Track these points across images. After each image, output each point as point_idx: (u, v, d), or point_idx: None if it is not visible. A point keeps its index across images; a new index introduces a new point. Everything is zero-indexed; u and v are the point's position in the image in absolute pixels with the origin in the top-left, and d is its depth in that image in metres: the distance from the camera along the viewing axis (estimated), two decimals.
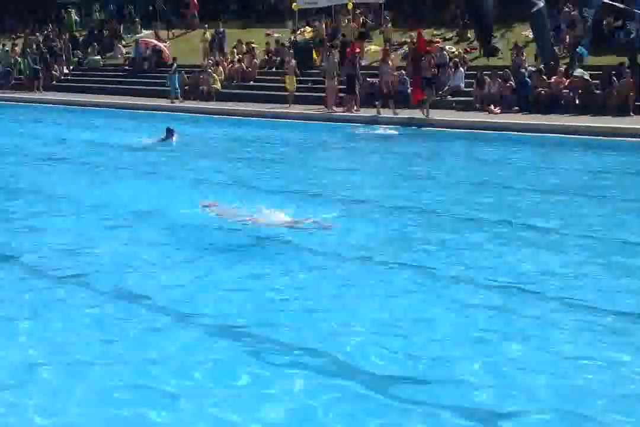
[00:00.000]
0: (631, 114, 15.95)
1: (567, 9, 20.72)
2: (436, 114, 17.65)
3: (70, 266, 6.75)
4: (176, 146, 14.95)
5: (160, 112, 21.89)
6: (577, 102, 17.12)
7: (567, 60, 19.00)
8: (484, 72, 18.68)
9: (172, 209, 8.96)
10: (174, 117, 20.49)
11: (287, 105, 20.80)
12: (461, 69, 19.75)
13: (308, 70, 22.44)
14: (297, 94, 21.17)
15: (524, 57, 19.14)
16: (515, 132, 15.48)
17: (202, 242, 7.57)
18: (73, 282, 6.35)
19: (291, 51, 22.67)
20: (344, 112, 19.34)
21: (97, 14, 35.05)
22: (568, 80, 17.65)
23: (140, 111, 22.35)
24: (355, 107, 19.46)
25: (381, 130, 16.75)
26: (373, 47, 23.82)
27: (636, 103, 16.10)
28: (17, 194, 10.40)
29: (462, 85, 19.51)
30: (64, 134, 17.62)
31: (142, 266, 6.78)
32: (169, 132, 15.31)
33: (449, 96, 19.14)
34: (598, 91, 16.92)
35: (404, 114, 18.06)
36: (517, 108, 17.65)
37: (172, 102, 23.16)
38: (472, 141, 15.22)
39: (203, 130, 18.01)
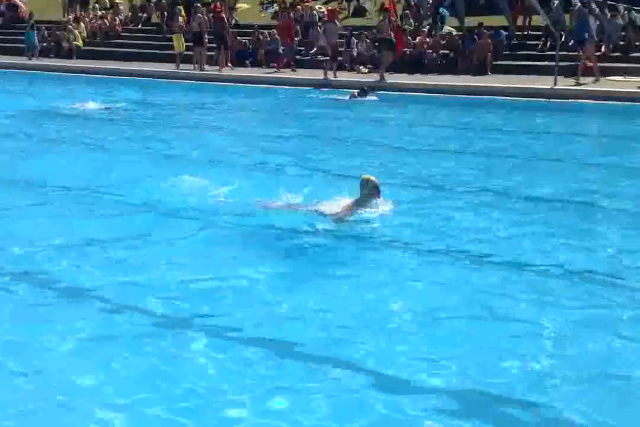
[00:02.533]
0: (489, 73, 16.83)
1: None
2: (311, 74, 17.79)
3: None
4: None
5: (16, 70, 20.69)
6: (439, 62, 17.85)
7: (430, 20, 19.70)
8: (353, 32, 19.00)
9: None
10: (32, 76, 19.43)
11: (175, 64, 19.74)
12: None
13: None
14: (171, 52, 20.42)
15: (389, 18, 19.55)
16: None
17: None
18: None
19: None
20: (219, 71, 19.02)
21: None
22: (432, 40, 18.37)
23: None
24: (227, 65, 19.24)
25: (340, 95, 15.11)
26: (244, 5, 23.56)
27: (493, 63, 16.99)
28: None
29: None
30: None
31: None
32: None
33: (319, 56, 19.32)
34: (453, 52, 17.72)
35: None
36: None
37: (29, 59, 21.96)
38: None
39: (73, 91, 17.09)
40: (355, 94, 14.82)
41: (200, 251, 5.91)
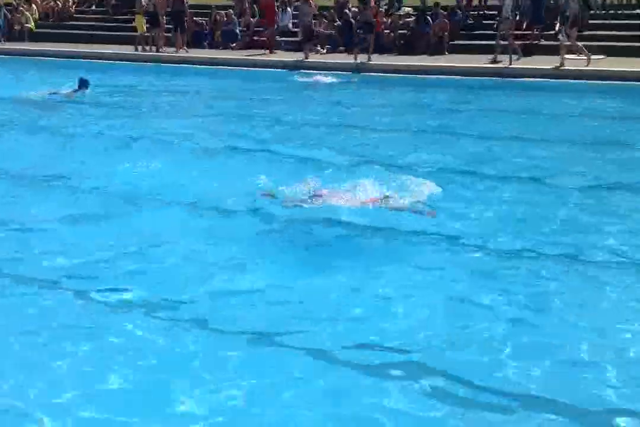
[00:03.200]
0: (445, 53, 17.00)
1: None
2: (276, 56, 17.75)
3: None
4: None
5: None
6: (397, 42, 17.92)
7: (387, 1, 19.74)
8: (315, 13, 18.92)
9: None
10: None
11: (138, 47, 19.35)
12: (289, 9, 19.89)
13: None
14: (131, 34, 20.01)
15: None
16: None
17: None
18: None
19: None
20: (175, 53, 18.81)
21: None
22: (389, 21, 18.42)
23: None
24: (183, 46, 19.04)
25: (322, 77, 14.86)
26: None
27: (450, 42, 17.15)
28: None
29: (290, 25, 19.71)
30: None
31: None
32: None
33: (277, 36, 19.24)
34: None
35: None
36: (342, 48, 18.14)
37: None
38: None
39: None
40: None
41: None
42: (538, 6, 16.64)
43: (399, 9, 19.17)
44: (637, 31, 15.60)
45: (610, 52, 15.25)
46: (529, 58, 15.70)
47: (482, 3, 18.87)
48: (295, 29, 19.30)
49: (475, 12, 18.57)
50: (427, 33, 17.39)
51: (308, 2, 18.11)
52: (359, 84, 14.89)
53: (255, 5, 20.54)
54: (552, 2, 17.01)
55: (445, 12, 17.46)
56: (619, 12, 16.93)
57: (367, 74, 15.79)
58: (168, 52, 18.97)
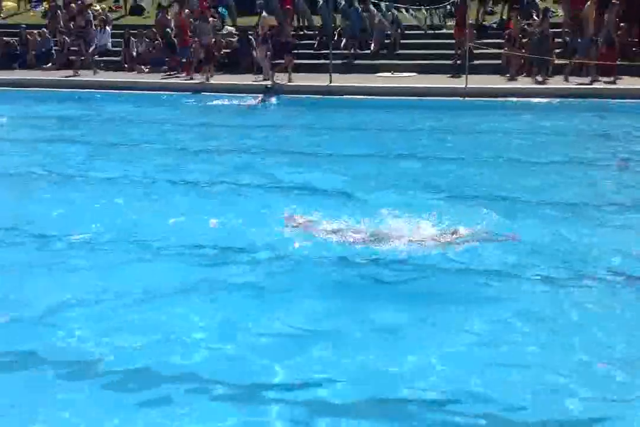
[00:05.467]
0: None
1: None
2: (89, 75, 17.06)
3: None
4: None
5: None
6: (224, 60, 17.83)
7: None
8: (131, 31, 18.43)
9: None
10: None
11: None
12: (107, 28, 19.25)
13: None
14: None
15: (169, 16, 19.21)
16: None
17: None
18: None
19: None
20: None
21: None
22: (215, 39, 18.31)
23: None
24: None
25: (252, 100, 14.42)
26: (9, 3, 21.99)
27: (273, 62, 17.29)
28: None
29: (110, 44, 19.07)
30: None
31: None
32: None
33: (96, 56, 18.52)
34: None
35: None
36: (165, 67, 17.77)
37: None
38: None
39: None
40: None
41: None
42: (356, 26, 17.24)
43: (222, 28, 19.13)
44: (446, 50, 16.57)
45: (421, 70, 16.10)
46: (347, 75, 16.11)
47: (302, 23, 19.27)
48: (116, 49, 18.67)
49: (295, 32, 18.92)
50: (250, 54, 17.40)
51: (207, 20, 17.21)
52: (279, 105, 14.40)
53: (72, 24, 19.73)
54: (367, 22, 17.69)
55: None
56: (429, 31, 17.91)
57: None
58: None
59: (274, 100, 14.58)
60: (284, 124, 12.66)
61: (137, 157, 9.85)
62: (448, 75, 15.53)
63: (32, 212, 7.17)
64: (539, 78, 14.82)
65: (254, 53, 16.97)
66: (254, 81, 15.98)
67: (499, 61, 15.65)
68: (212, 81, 16.13)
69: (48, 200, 7.64)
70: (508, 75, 15.22)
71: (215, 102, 14.49)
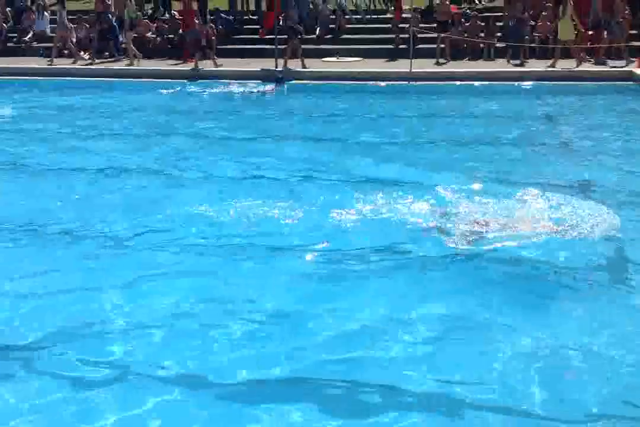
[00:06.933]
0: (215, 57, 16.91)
1: None
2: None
3: None
4: None
5: None
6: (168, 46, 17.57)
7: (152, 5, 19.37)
8: (70, 17, 17.96)
9: None
10: None
11: None
12: (46, 13, 18.76)
13: None
14: None
15: (109, 2, 18.76)
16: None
17: None
18: None
19: None
20: None
21: None
22: (155, 25, 18.05)
23: None
24: None
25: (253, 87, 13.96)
26: None
27: (218, 47, 17.09)
28: None
29: (48, 30, 18.59)
30: None
31: None
32: None
33: (34, 42, 18.03)
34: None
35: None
36: (107, 53, 17.41)
37: None
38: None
39: None
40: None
41: None
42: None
43: (164, 13, 18.83)
44: (388, 34, 16.64)
45: (365, 54, 16.15)
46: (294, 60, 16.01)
47: (244, 8, 19.09)
48: (52, 35, 18.17)
49: (240, 17, 18.78)
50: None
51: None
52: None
53: (10, 10, 19.17)
54: (311, 8, 17.66)
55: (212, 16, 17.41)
56: (372, 17, 17.98)
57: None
58: None
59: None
60: None
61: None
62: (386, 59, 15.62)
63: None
64: (517, 62, 14.80)
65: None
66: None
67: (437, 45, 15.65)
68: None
69: None
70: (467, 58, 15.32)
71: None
